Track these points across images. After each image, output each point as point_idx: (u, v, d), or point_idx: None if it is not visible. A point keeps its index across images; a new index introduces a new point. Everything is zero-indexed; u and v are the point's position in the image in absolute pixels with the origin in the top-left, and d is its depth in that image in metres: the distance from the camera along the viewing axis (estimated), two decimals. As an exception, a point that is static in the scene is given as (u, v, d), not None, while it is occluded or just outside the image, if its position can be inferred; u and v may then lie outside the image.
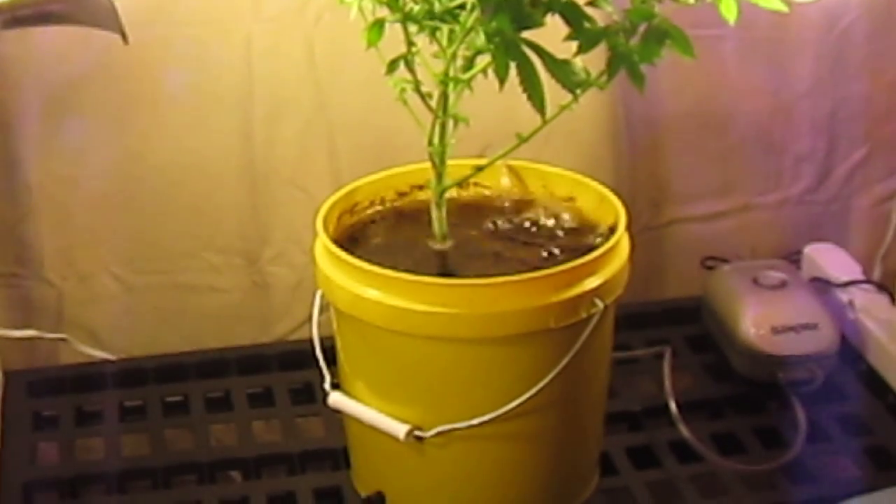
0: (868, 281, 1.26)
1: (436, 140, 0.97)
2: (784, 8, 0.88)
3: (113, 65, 1.17)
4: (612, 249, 0.95)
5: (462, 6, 0.90)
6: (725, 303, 1.19)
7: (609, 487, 1.05)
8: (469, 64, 0.93)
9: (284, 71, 1.21)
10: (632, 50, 0.91)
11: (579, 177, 1.05)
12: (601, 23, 0.92)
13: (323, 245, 0.97)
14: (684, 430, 1.08)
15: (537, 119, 0.93)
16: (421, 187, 1.06)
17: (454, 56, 0.92)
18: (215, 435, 1.13)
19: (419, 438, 0.95)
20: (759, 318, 1.15)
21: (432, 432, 0.94)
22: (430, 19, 0.91)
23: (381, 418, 0.96)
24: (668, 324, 1.26)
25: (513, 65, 0.88)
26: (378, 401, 0.97)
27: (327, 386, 1.01)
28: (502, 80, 0.88)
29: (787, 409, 1.11)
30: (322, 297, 1.01)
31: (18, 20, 0.95)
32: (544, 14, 0.90)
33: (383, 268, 0.92)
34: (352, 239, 1.01)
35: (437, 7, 0.90)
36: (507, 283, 0.91)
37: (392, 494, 1.00)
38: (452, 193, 1.03)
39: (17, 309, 1.25)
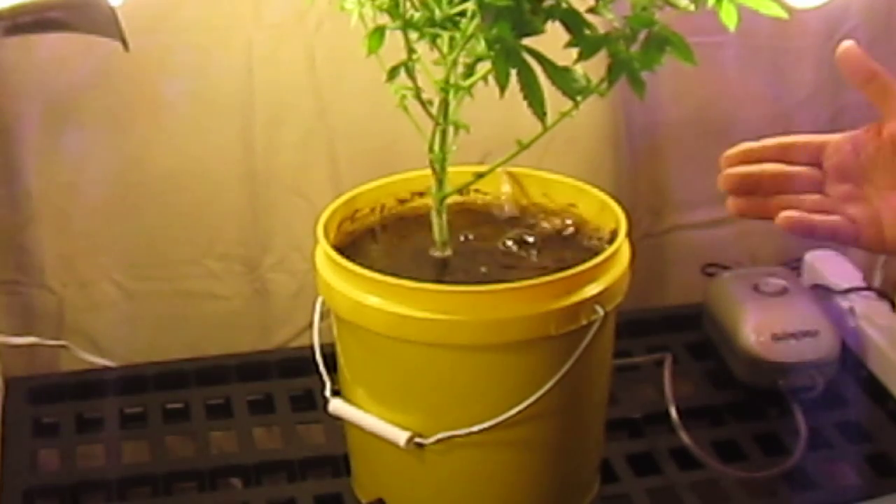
0: (868, 288, 1.26)
1: (436, 147, 0.97)
2: (784, 15, 0.88)
3: (114, 72, 1.17)
4: (612, 256, 0.95)
5: (462, 13, 0.90)
6: (726, 310, 1.19)
7: (610, 494, 1.05)
8: (470, 71, 0.93)
9: (285, 78, 1.21)
10: (632, 57, 0.92)
11: (580, 184, 1.05)
12: (601, 30, 0.92)
13: (324, 252, 0.97)
14: (685, 437, 1.08)
15: (538, 126, 0.93)
16: (421, 194, 1.06)
17: (455, 63, 0.93)
18: (216, 442, 1.13)
19: (420, 445, 0.95)
20: (760, 325, 1.15)
21: (433, 439, 0.94)
22: (431, 26, 0.91)
23: (382, 425, 0.96)
24: (668, 331, 1.26)
25: (513, 72, 0.88)
26: (379, 408, 0.97)
27: (328, 393, 1.00)
28: (503, 87, 0.88)
29: (788, 415, 1.11)
30: (323, 303, 1.01)
31: (20, 27, 0.95)
32: (545, 21, 0.90)
33: (384, 275, 0.92)
34: (352, 246, 1.01)
35: (438, 14, 0.90)
36: (508, 290, 0.91)
37: (393, 501, 1.00)
38: (453, 200, 1.03)
39: (17, 316, 1.25)
